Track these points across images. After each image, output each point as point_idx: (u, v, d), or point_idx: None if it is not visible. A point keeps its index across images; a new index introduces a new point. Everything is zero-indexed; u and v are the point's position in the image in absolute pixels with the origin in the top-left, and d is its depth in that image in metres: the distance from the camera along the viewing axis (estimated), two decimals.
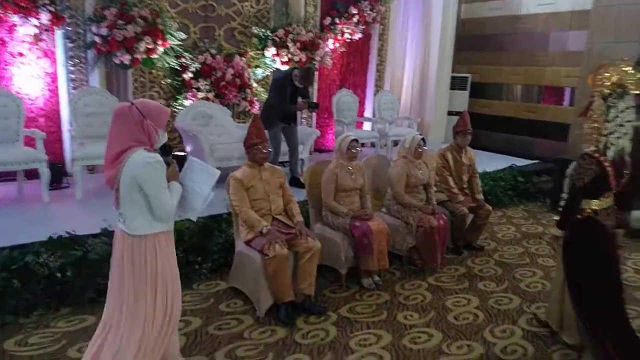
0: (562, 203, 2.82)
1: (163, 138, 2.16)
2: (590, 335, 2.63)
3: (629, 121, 2.54)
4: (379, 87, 7.70)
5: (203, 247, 3.75)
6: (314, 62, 6.24)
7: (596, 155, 2.55)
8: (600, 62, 5.71)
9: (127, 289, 2.16)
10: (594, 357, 2.67)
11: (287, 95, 5.08)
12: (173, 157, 2.30)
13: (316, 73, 6.61)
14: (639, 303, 3.57)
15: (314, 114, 6.92)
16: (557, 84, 7.61)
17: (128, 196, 2.07)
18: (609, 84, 2.57)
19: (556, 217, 2.84)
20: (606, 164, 2.54)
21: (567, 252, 2.76)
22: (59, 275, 3.13)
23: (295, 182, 4.88)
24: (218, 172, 2.31)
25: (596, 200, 2.61)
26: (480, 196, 4.53)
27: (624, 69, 2.57)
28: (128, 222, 2.11)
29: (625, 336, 2.62)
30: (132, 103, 2.07)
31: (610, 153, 2.55)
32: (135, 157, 2.02)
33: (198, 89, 5.56)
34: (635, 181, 2.80)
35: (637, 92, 2.56)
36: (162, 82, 5.68)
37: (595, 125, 2.59)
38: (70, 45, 4.98)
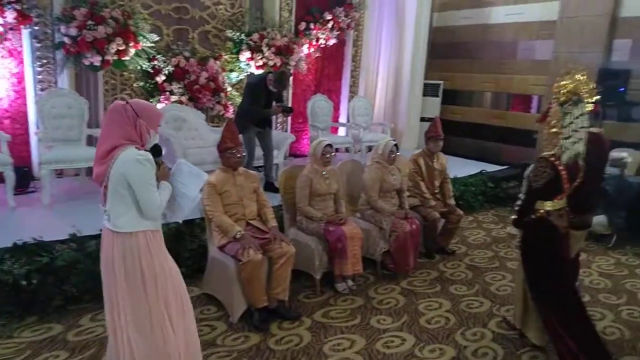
0: (518, 203, 2.96)
1: (154, 139, 2.16)
2: (551, 333, 2.75)
3: (583, 127, 2.69)
4: (353, 92, 7.77)
5: (176, 253, 3.66)
6: (288, 66, 6.25)
7: (552, 159, 2.69)
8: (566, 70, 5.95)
9: (121, 290, 2.11)
10: (557, 355, 2.76)
11: (261, 99, 5.05)
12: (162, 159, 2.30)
13: (291, 78, 6.61)
14: (604, 305, 3.70)
15: (289, 118, 6.92)
16: (525, 92, 7.84)
17: (116, 193, 2.05)
18: (564, 91, 2.72)
19: (513, 216, 2.99)
20: (560, 167, 2.69)
21: (523, 251, 2.93)
22: (24, 282, 3.02)
23: (270, 186, 4.87)
24: (206, 175, 2.34)
25: (549, 202, 2.76)
26: (452, 201, 4.62)
27: (578, 77, 2.71)
28: (113, 219, 2.08)
29: (588, 335, 2.74)
30: (127, 102, 2.09)
31: (565, 157, 2.69)
32: (126, 155, 2.02)
33: (171, 92, 5.49)
34: (589, 187, 2.96)
35: (590, 100, 2.71)
36: (135, 84, 5.58)
37: (553, 130, 2.73)
38: (38, 45, 4.84)
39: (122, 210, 2.07)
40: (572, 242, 3.01)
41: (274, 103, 5.17)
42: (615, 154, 5.12)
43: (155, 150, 2.22)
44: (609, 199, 4.94)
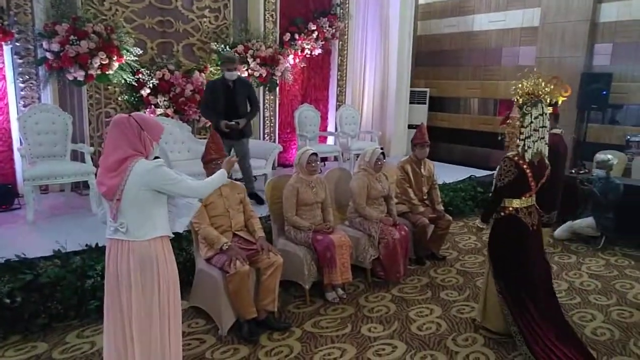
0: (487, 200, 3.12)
1: (156, 150, 2.23)
2: (518, 323, 2.87)
3: (543, 127, 2.82)
4: (340, 101, 7.80)
5: None
6: (274, 77, 6.26)
7: (515, 158, 2.82)
8: (551, 75, 6.06)
9: (136, 302, 2.13)
10: (523, 344, 2.86)
11: (220, 101, 4.74)
12: None
13: (277, 88, 6.63)
14: (594, 306, 3.70)
15: (276, 128, 6.92)
16: (511, 97, 7.90)
17: (135, 205, 2.09)
18: (522, 93, 2.86)
19: (481, 212, 3.20)
20: (525, 166, 2.79)
21: (491, 246, 3.07)
22: (7, 301, 2.96)
23: (253, 197, 4.80)
24: (199, 204, 2.44)
25: (517, 200, 2.89)
26: (440, 207, 4.62)
27: (536, 80, 2.86)
28: (133, 231, 2.11)
29: (556, 321, 2.91)
30: (129, 115, 2.15)
31: (528, 155, 2.81)
32: (141, 166, 2.08)
33: (157, 105, 5.47)
34: (549, 185, 3.08)
35: (549, 100, 2.87)
36: (119, 98, 5.56)
37: (514, 131, 2.88)
38: (20, 61, 4.81)
39: (142, 220, 2.12)
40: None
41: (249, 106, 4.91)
42: (601, 156, 5.19)
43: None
44: (596, 200, 4.99)
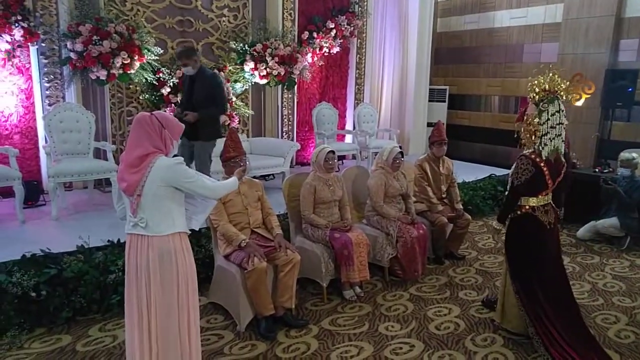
0: (503, 199, 3.07)
1: (175, 148, 2.30)
2: (535, 325, 2.84)
3: (560, 123, 2.77)
4: (358, 99, 7.78)
5: None
6: (292, 75, 6.28)
7: (532, 156, 2.79)
8: (574, 72, 5.93)
9: (156, 295, 2.18)
10: (541, 346, 2.84)
11: (184, 94, 4.45)
12: None
13: (296, 87, 6.65)
14: (618, 308, 3.62)
15: (294, 126, 6.95)
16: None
17: (155, 200, 2.15)
18: (539, 90, 2.80)
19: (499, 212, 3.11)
20: (542, 164, 2.76)
21: (508, 246, 3.01)
22: (33, 294, 3.05)
23: None
24: (215, 201, 2.51)
25: (534, 198, 2.85)
26: (459, 205, 4.57)
27: (553, 77, 2.80)
28: (153, 226, 2.17)
29: (573, 323, 2.86)
30: (151, 113, 2.21)
31: (545, 153, 2.77)
32: (162, 162, 2.14)
33: (177, 104, 5.53)
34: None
35: (566, 97, 2.79)
36: (140, 97, 5.65)
37: (531, 128, 2.81)
38: (45, 61, 4.93)
39: (162, 216, 2.17)
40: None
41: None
42: (625, 154, 5.06)
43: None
44: (620, 200, 4.87)
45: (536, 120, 2.80)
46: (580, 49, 6.86)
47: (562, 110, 2.78)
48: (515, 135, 2.99)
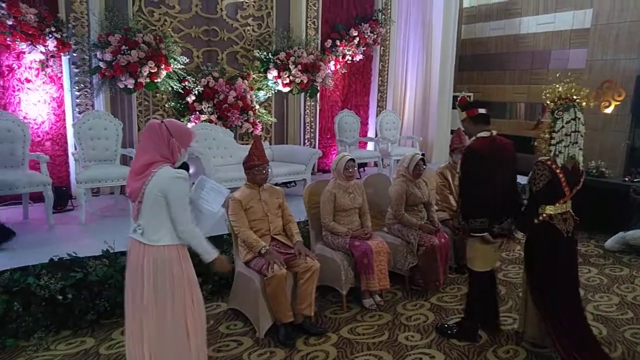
0: (522, 208, 3.04)
1: (184, 157, 2.30)
2: (551, 334, 2.83)
3: (575, 131, 2.74)
4: (381, 107, 7.77)
5: (204, 268, 3.74)
6: (315, 83, 6.32)
7: (548, 162, 2.77)
8: (603, 78, 5.82)
9: (148, 299, 2.18)
10: (556, 354, 2.83)
11: None
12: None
13: (318, 94, 6.69)
14: None
15: (316, 133, 6.98)
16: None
17: (153, 209, 2.15)
18: (554, 97, 2.81)
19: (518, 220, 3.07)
20: (557, 170, 2.75)
21: (527, 255, 2.97)
22: (59, 297, 3.14)
23: None
24: (228, 191, 2.44)
25: (551, 206, 2.82)
26: None
27: (570, 84, 2.79)
28: (149, 235, 2.18)
29: (584, 336, 2.85)
30: (162, 121, 2.24)
31: (560, 160, 2.75)
32: (163, 172, 2.14)
33: (201, 112, 5.64)
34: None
35: (584, 104, 2.77)
36: (166, 105, 5.78)
37: (546, 136, 2.82)
38: (76, 70, 5.10)
39: (158, 225, 2.17)
40: None
41: None
42: None
43: (183, 168, 2.33)
44: None
45: (548, 127, 2.80)
46: (609, 55, 6.70)
47: (579, 118, 2.74)
48: (531, 143, 2.98)
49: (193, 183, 2.43)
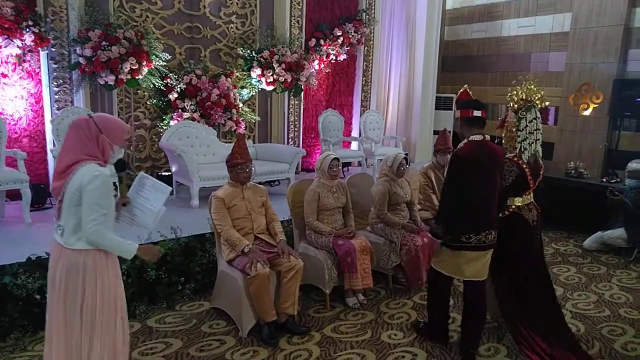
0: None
1: (118, 154, 2.13)
2: (511, 321, 3.06)
3: (537, 129, 3.00)
4: (365, 107, 7.79)
5: (186, 268, 3.71)
6: (299, 82, 6.30)
7: (515, 159, 2.98)
8: (582, 81, 5.97)
9: (57, 311, 2.02)
10: (516, 343, 3.05)
11: None
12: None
13: (302, 93, 6.68)
14: (624, 320, 3.59)
15: (300, 132, 6.96)
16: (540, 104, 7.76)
17: (71, 208, 1.99)
18: (517, 99, 3.05)
19: None
20: (524, 165, 2.97)
21: (498, 244, 3.05)
22: (37, 297, 3.06)
23: None
24: (169, 189, 2.32)
25: (519, 198, 3.04)
26: None
27: (529, 87, 3.03)
28: (67, 237, 2.02)
29: (553, 322, 3.04)
30: (90, 116, 2.06)
31: (525, 156, 2.98)
32: (85, 169, 1.97)
33: (184, 109, 5.57)
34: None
35: (541, 105, 3.05)
36: (148, 102, 5.69)
37: (511, 134, 3.04)
38: (55, 66, 4.98)
39: (76, 227, 2.00)
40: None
41: None
42: (633, 165, 5.01)
43: (119, 166, 2.21)
44: (627, 211, 4.83)
45: (510, 125, 3.02)
46: (588, 58, 6.83)
47: (539, 117, 2.99)
48: (495, 141, 3.12)
49: (131, 183, 2.32)
